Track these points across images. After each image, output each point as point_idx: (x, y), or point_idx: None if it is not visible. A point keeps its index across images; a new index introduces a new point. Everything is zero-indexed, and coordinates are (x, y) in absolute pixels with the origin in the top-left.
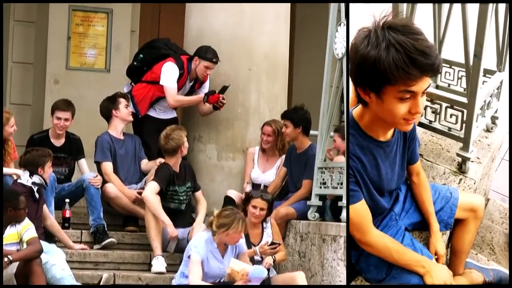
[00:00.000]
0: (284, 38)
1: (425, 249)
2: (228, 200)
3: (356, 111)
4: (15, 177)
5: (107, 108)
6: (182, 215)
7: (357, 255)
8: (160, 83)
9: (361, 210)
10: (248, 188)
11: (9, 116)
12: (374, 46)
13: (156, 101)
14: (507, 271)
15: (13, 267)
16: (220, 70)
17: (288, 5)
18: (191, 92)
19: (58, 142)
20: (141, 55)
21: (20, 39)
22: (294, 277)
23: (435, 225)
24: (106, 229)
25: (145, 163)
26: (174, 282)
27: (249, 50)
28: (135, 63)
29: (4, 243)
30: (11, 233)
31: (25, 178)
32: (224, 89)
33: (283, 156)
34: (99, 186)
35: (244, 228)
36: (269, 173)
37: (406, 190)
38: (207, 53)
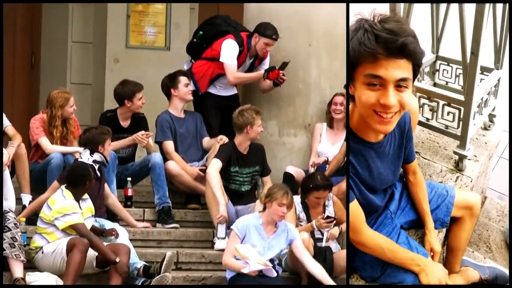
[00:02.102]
0: (342, 14)
1: (420, 247)
2: (288, 176)
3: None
4: (76, 156)
5: (167, 86)
6: (242, 197)
7: (353, 253)
8: (220, 60)
9: (353, 210)
10: (312, 169)
11: (68, 96)
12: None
13: (216, 78)
14: (503, 269)
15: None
16: (280, 46)
17: None
18: (251, 69)
19: (125, 123)
20: (200, 32)
21: (79, 19)
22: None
23: (430, 223)
24: (171, 209)
25: (206, 141)
26: None
27: (309, 26)
28: (194, 40)
29: (83, 217)
30: (87, 207)
31: (86, 157)
32: (284, 65)
33: None
34: (147, 143)
35: (289, 204)
36: (338, 145)
37: (401, 188)
38: (267, 30)
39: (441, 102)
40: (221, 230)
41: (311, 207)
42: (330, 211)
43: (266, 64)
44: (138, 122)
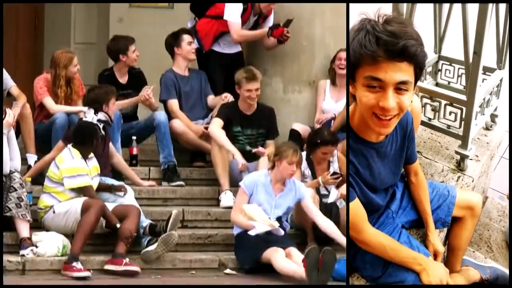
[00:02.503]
0: None
1: (422, 246)
2: (294, 133)
3: (349, 110)
4: (81, 115)
5: (170, 44)
6: (247, 155)
7: (354, 252)
8: (224, 17)
9: (354, 208)
10: (318, 126)
11: (72, 55)
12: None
13: (220, 36)
14: (504, 269)
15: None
16: (284, 4)
17: None
18: (255, 26)
19: (123, 79)
20: None
21: None
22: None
23: (431, 224)
24: (176, 167)
25: (211, 99)
26: None
27: None
28: None
29: (90, 175)
30: (93, 166)
31: (90, 116)
32: (288, 22)
33: None
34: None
35: (298, 162)
36: (342, 102)
37: (403, 188)
38: None
39: (443, 102)
40: (225, 198)
41: (317, 164)
42: (335, 167)
43: (270, 22)
44: (136, 77)
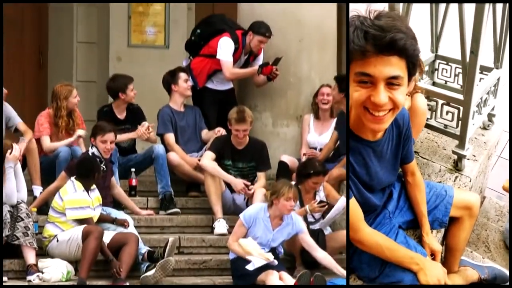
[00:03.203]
0: (331, 10)
1: (419, 246)
2: (282, 165)
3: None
4: (83, 149)
5: (167, 82)
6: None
7: (351, 253)
8: (217, 56)
9: (351, 208)
10: (304, 158)
11: (71, 88)
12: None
13: (213, 74)
14: (502, 269)
15: (107, 237)
16: (272, 42)
17: None
18: (246, 64)
19: (122, 115)
20: (198, 31)
21: (83, 20)
22: (344, 233)
23: (427, 225)
24: (173, 197)
25: (205, 133)
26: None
27: (299, 23)
28: (192, 38)
29: (92, 206)
30: (95, 197)
31: (92, 151)
32: (277, 61)
33: (335, 119)
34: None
35: (294, 196)
36: (325, 135)
37: (400, 188)
38: (261, 28)
39: (440, 102)
40: (219, 226)
41: (305, 192)
42: (321, 195)
43: (260, 60)
44: (134, 113)
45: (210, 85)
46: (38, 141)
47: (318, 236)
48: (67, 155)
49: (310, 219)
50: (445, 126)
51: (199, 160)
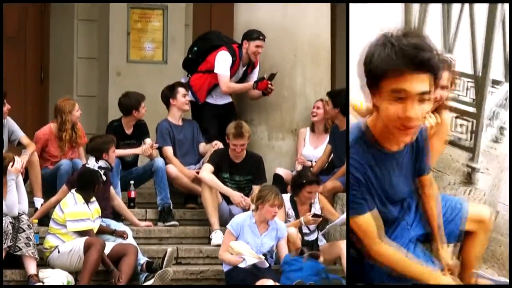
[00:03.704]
0: (325, 26)
1: (435, 260)
2: (277, 177)
3: (371, 119)
4: (83, 162)
5: (166, 96)
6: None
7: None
8: (215, 71)
9: (370, 219)
10: (300, 167)
11: (73, 102)
12: (377, 46)
13: (213, 88)
14: None
15: (107, 248)
16: (267, 56)
17: None
18: (244, 76)
19: (129, 130)
20: (195, 48)
21: (84, 36)
22: (339, 245)
23: (441, 238)
24: (171, 208)
25: (202, 146)
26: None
27: (294, 39)
28: (190, 56)
29: (92, 218)
30: (95, 209)
31: (92, 163)
32: (272, 76)
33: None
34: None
35: (280, 204)
36: (320, 149)
37: (417, 200)
38: (253, 34)
39: (453, 115)
40: (216, 237)
41: (300, 204)
42: (316, 208)
43: (256, 73)
44: (140, 128)
45: (210, 100)
46: (41, 154)
47: (312, 247)
48: (68, 168)
49: (305, 230)
50: (459, 139)
51: (197, 172)
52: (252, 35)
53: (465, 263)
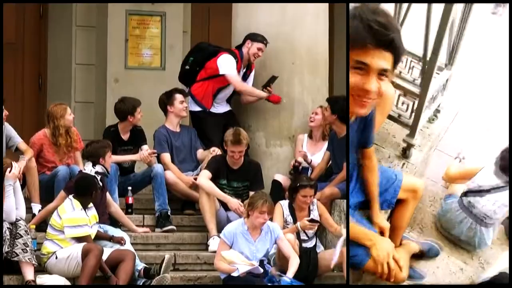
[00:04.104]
0: (323, 34)
1: (369, 224)
2: (275, 184)
3: None
4: (80, 168)
5: (163, 102)
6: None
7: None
8: (221, 73)
9: None
10: (300, 159)
11: (65, 106)
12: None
13: (217, 93)
14: (432, 243)
15: (105, 254)
16: (266, 64)
17: (326, 4)
18: (244, 78)
19: (126, 136)
20: (191, 58)
21: (82, 43)
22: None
23: (376, 206)
24: (169, 214)
25: (200, 152)
26: None
27: (292, 46)
28: (186, 67)
29: (89, 224)
30: (92, 215)
31: (89, 168)
32: (273, 79)
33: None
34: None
35: (269, 211)
36: (317, 156)
37: (358, 170)
38: (258, 36)
39: (397, 92)
40: (213, 243)
41: (298, 210)
42: (314, 214)
43: (251, 78)
44: (137, 134)
45: (211, 108)
46: (37, 159)
47: (310, 254)
48: (66, 174)
49: (303, 236)
50: (399, 115)
51: (194, 178)
52: (257, 37)
53: (395, 227)
